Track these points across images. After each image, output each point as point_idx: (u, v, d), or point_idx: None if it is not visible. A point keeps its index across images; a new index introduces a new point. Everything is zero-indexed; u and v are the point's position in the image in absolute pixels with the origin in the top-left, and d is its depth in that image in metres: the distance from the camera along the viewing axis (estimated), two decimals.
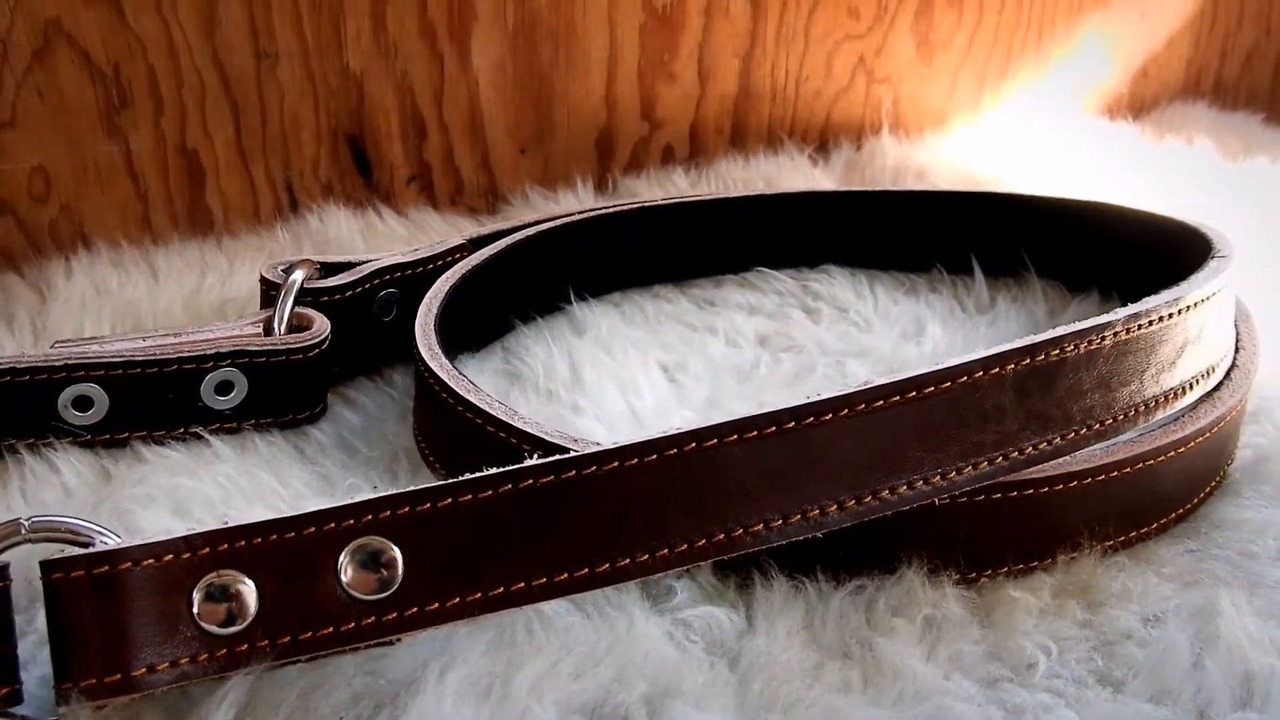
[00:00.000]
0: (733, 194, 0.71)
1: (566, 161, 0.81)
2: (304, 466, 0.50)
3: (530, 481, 0.39)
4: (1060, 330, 0.44)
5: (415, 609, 0.39)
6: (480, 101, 0.78)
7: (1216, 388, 0.51)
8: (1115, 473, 0.47)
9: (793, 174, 0.82)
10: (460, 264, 0.59)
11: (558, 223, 0.65)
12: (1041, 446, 0.44)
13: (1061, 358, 0.44)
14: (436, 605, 0.39)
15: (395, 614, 0.39)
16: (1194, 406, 0.49)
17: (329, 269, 0.57)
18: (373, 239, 0.72)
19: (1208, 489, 0.51)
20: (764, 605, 0.43)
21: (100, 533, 0.38)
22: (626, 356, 0.59)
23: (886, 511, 0.42)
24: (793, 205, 0.70)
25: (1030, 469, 0.44)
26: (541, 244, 0.64)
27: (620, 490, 0.40)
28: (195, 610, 0.37)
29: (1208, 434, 0.49)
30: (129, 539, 0.38)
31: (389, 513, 0.39)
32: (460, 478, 0.39)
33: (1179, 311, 0.47)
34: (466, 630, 0.40)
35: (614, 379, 0.57)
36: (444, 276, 0.58)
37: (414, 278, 0.59)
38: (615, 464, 0.40)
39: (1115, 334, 0.45)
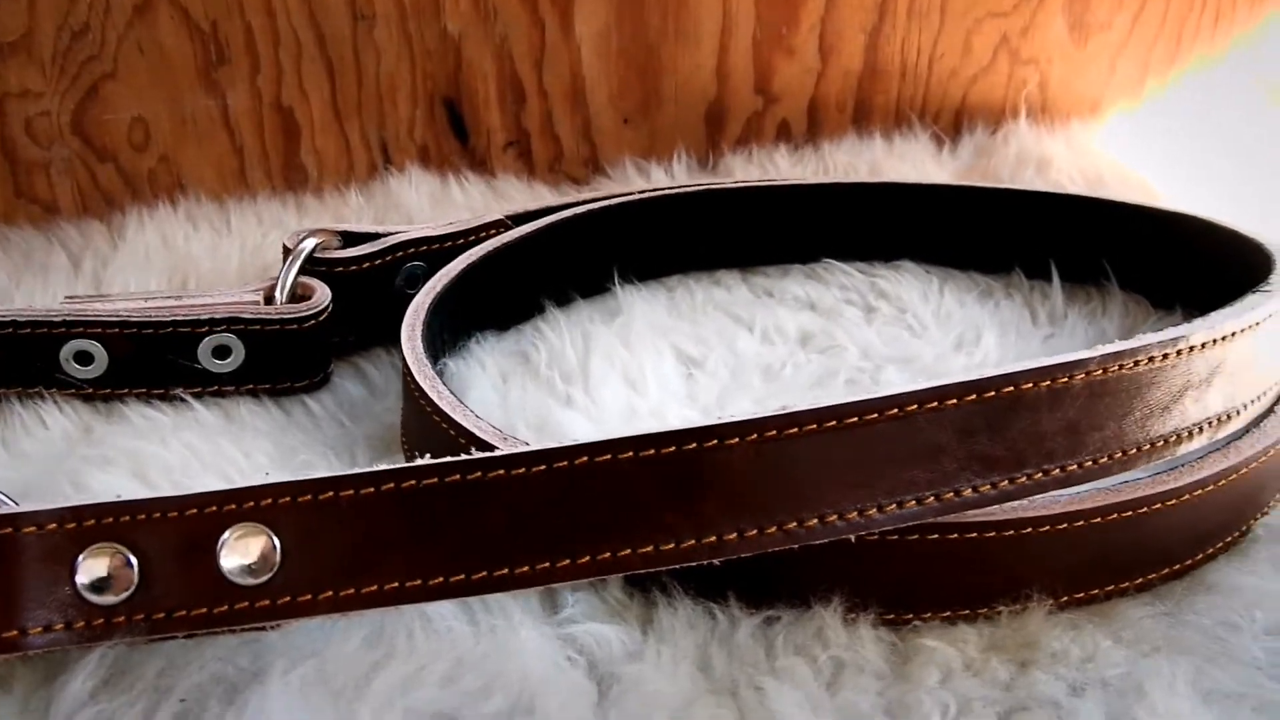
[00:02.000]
0: (806, 180, 0.68)
1: (673, 134, 0.80)
2: (279, 438, 0.51)
3: (413, 482, 0.39)
4: (1019, 366, 0.41)
5: (289, 598, 0.39)
6: (582, 69, 0.77)
7: (1245, 432, 0.47)
8: (1081, 522, 0.43)
9: (904, 160, 0.78)
10: (489, 241, 0.59)
11: (609, 203, 0.64)
12: (984, 490, 0.41)
13: (1015, 396, 0.41)
14: (309, 597, 0.39)
15: (268, 601, 0.39)
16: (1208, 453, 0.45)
17: (353, 239, 0.58)
18: (459, 205, 0.72)
19: (1214, 547, 0.46)
20: (663, 628, 0.41)
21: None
22: (645, 347, 0.58)
23: (792, 544, 0.39)
24: (869, 196, 0.67)
25: (975, 511, 0.42)
26: (587, 224, 0.63)
27: (511, 498, 0.39)
28: (76, 578, 0.38)
29: (1213, 486, 0.45)
30: (36, 504, 0.39)
31: (270, 501, 0.39)
32: (347, 471, 0.39)
33: (1178, 353, 0.43)
34: (345, 624, 0.40)
35: (622, 371, 0.55)
36: (466, 254, 0.58)
37: (442, 251, 0.59)
38: (501, 471, 0.39)
39: (1089, 374, 0.41)
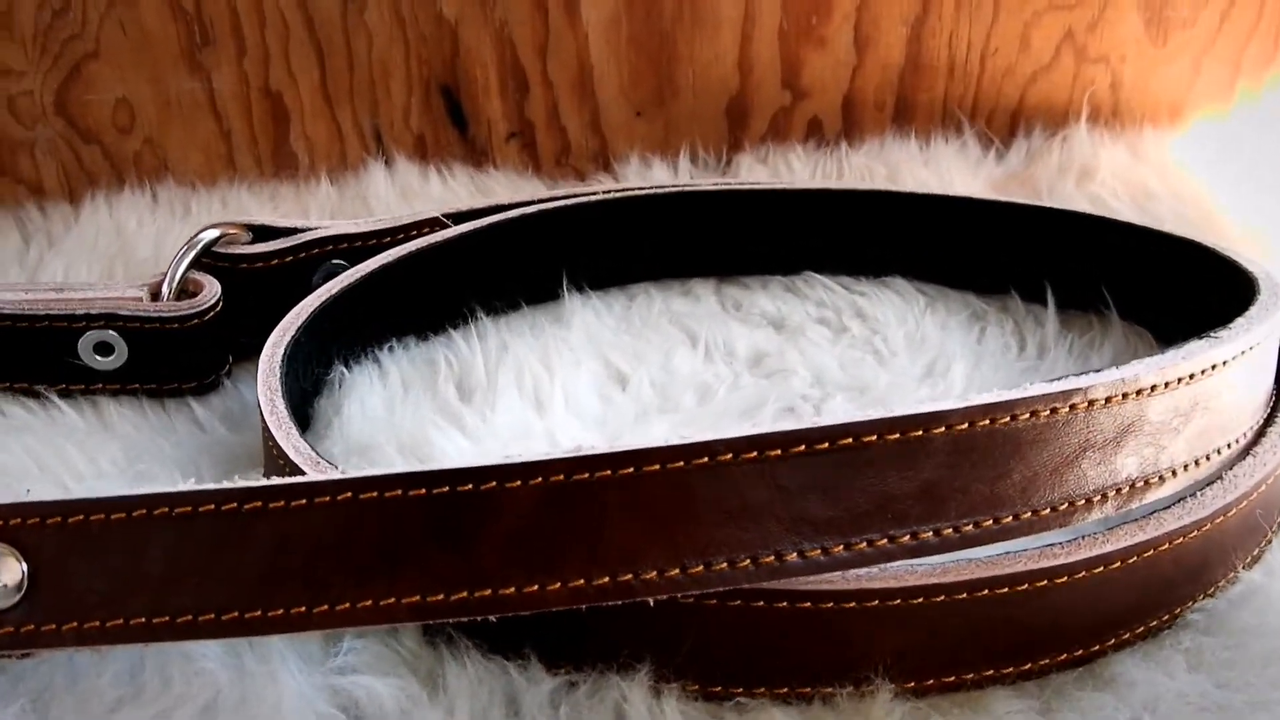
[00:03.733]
0: (793, 185, 0.63)
1: (689, 128, 0.75)
2: (136, 444, 0.48)
3: (188, 509, 0.36)
4: (860, 416, 0.35)
5: (33, 626, 0.36)
6: (590, 58, 0.72)
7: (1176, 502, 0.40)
8: (942, 597, 0.37)
9: (929, 166, 0.71)
10: (416, 241, 0.55)
11: (564, 203, 0.59)
12: (813, 556, 0.35)
13: (854, 450, 0.35)
14: (54, 627, 0.36)
15: (12, 628, 0.36)
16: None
17: (266, 234, 0.54)
18: (434, 200, 0.69)
19: (1124, 634, 0.40)
20: (449, 685, 0.37)
21: None
22: (567, 362, 0.53)
23: (580, 604, 0.35)
24: (860, 205, 0.61)
25: (814, 578, 0.36)
26: (538, 225, 0.58)
27: (277, 532, 0.35)
28: None
29: (1120, 564, 0.39)
30: None
31: (19, 521, 0.36)
32: (114, 494, 0.36)
33: (1072, 408, 0.37)
34: (101, 658, 0.37)
35: (532, 388, 0.51)
36: (386, 253, 0.54)
37: (365, 250, 0.55)
38: (259, 503, 0.35)
39: (950, 427, 0.36)
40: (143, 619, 0.35)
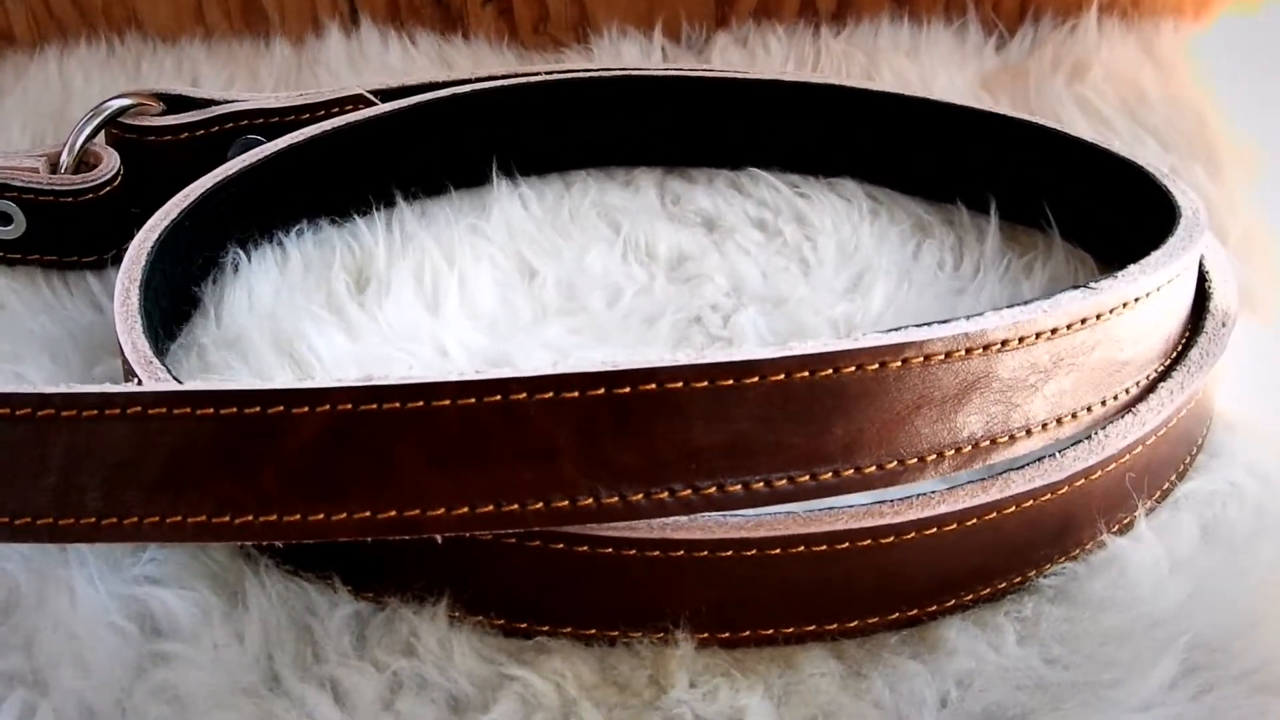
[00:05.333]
0: (747, 75, 0.59)
1: (675, 1, 0.71)
2: (11, 319, 0.48)
3: (8, 410, 0.35)
4: (671, 360, 0.33)
5: None
6: None
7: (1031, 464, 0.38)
8: (753, 551, 0.36)
9: (912, 56, 0.67)
10: (333, 119, 0.54)
11: (498, 84, 0.57)
12: (609, 503, 0.34)
13: (658, 396, 0.33)
14: None
15: None
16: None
17: (180, 104, 0.53)
18: (392, 70, 0.67)
19: (963, 597, 0.38)
20: (246, 603, 0.36)
21: None
22: (473, 255, 0.52)
23: (364, 536, 0.34)
24: (812, 98, 0.58)
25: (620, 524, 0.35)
26: (465, 106, 0.56)
27: (70, 443, 0.35)
28: None
29: (956, 526, 0.37)
30: None
31: None
32: None
33: (903, 362, 0.35)
34: None
35: (427, 284, 0.50)
36: (300, 131, 0.53)
37: (283, 125, 0.54)
38: (52, 411, 0.35)
39: (764, 377, 0.34)
40: None
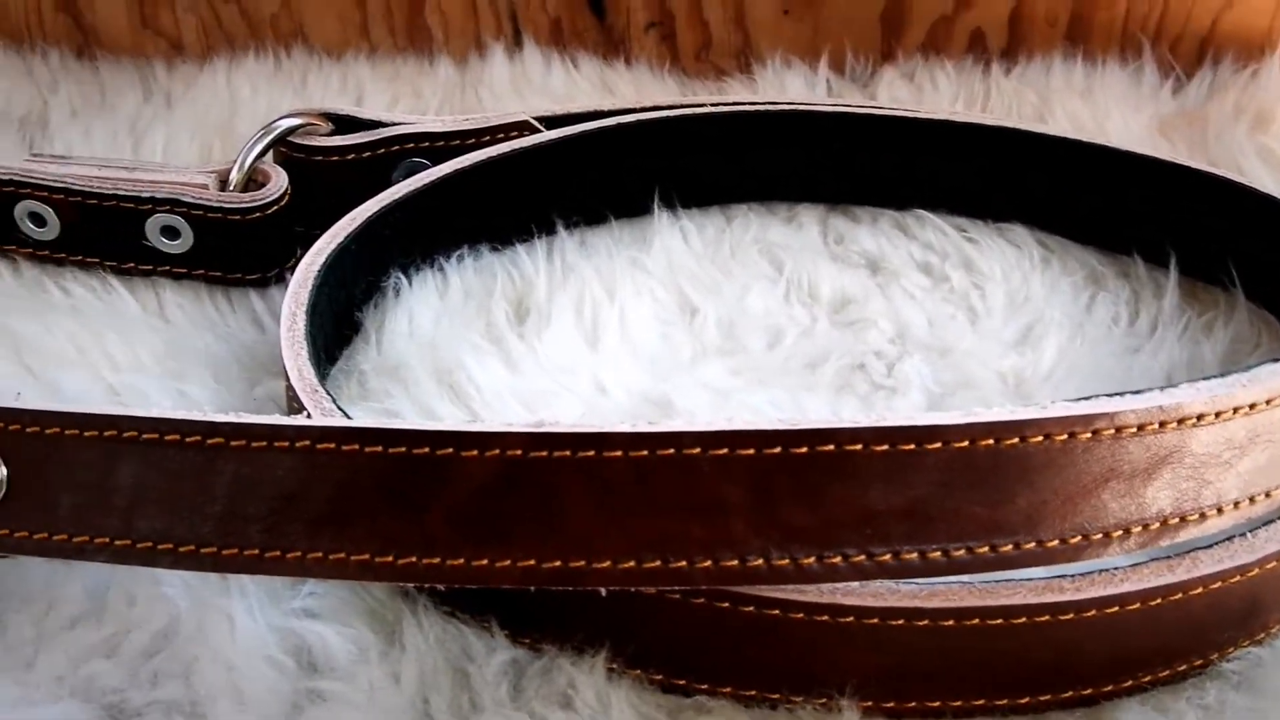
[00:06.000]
0: (917, 114, 0.58)
1: (840, 31, 0.70)
2: (180, 337, 0.48)
3: (155, 436, 0.35)
4: (851, 422, 0.32)
5: (7, 530, 0.36)
6: None
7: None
8: (925, 622, 0.34)
9: (1087, 97, 0.65)
10: (500, 145, 0.53)
11: (666, 114, 0.56)
12: (780, 564, 0.33)
13: (837, 459, 0.32)
14: (26, 534, 0.36)
15: None
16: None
17: (347, 125, 0.53)
18: (554, 94, 0.66)
19: (1142, 677, 0.36)
20: (403, 643, 0.36)
21: None
22: (633, 288, 0.51)
23: (528, 585, 0.33)
24: (983, 141, 0.56)
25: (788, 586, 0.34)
26: (636, 136, 0.55)
27: (236, 473, 0.35)
28: None
29: (1138, 604, 0.35)
30: None
31: (2, 426, 0.36)
32: (90, 410, 0.36)
33: (1094, 434, 0.33)
34: (68, 570, 0.37)
35: (590, 314, 0.49)
36: (464, 156, 0.52)
37: (448, 150, 0.54)
38: (220, 440, 0.35)
39: (948, 443, 0.32)
40: (107, 539, 0.35)
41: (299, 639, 0.36)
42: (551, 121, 0.55)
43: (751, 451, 0.32)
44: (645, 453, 0.32)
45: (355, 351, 0.48)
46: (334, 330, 0.47)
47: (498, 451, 0.33)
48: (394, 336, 0.47)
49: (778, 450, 0.32)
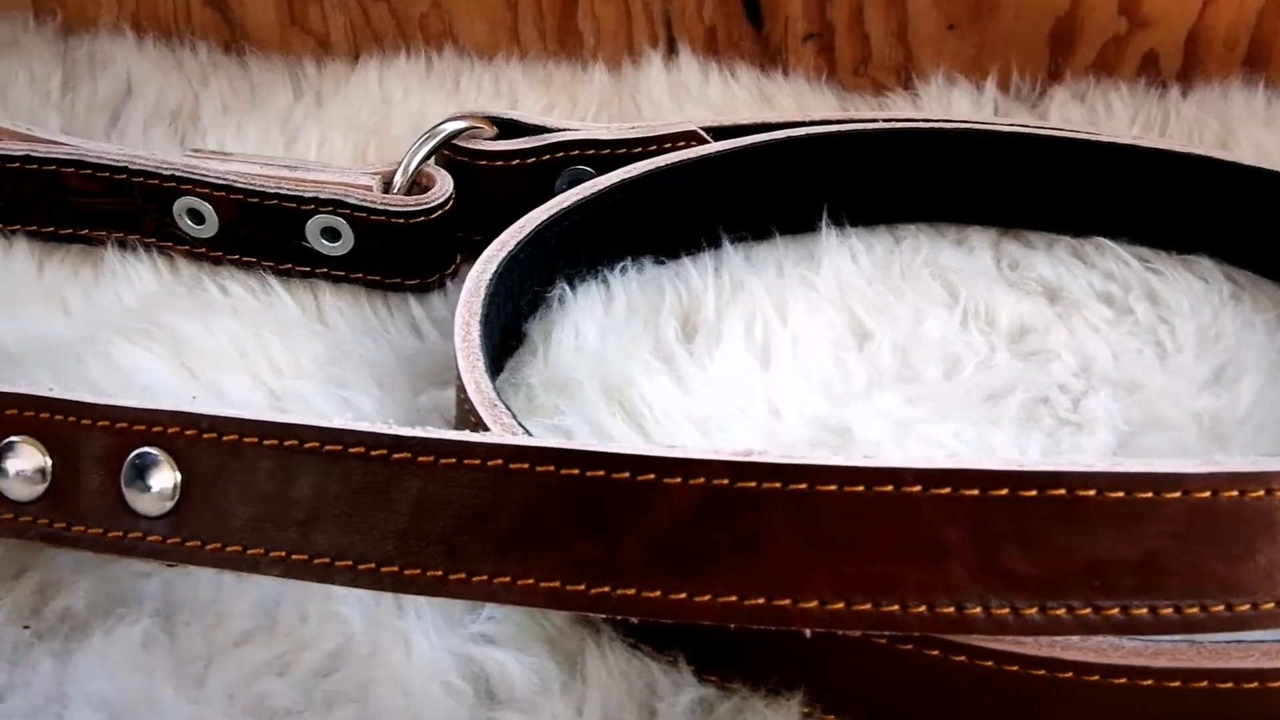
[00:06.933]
0: (1097, 136, 0.55)
1: (1006, 49, 0.67)
2: (342, 341, 0.47)
3: (338, 448, 0.34)
4: (1084, 466, 0.30)
5: (179, 540, 0.35)
6: None
7: None
8: (1150, 681, 0.32)
9: (1271, 126, 0.62)
10: (668, 155, 0.52)
11: (838, 129, 0.54)
12: (1000, 614, 0.31)
13: (1067, 504, 0.30)
14: (199, 544, 0.35)
15: (159, 537, 0.36)
16: None
17: (511, 130, 0.52)
18: (712, 104, 0.65)
19: None
20: (585, 675, 0.34)
21: None
22: (805, 309, 0.49)
23: (726, 622, 0.31)
24: (1167, 168, 0.54)
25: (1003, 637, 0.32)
26: (804, 150, 0.54)
27: (423, 490, 0.33)
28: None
29: None
30: None
31: (178, 430, 0.35)
32: (270, 418, 0.35)
33: None
34: (239, 583, 0.36)
35: (761, 333, 0.48)
36: (632, 166, 0.51)
37: (614, 159, 0.52)
38: (408, 455, 0.33)
39: (1188, 493, 0.30)
40: (283, 553, 0.34)
41: (477, 666, 0.34)
42: (718, 132, 0.54)
43: (976, 492, 0.30)
44: (861, 488, 0.30)
45: (521, 364, 0.47)
46: (500, 340, 0.46)
47: (703, 480, 0.31)
48: (560, 350, 0.46)
49: (1004, 492, 0.30)
